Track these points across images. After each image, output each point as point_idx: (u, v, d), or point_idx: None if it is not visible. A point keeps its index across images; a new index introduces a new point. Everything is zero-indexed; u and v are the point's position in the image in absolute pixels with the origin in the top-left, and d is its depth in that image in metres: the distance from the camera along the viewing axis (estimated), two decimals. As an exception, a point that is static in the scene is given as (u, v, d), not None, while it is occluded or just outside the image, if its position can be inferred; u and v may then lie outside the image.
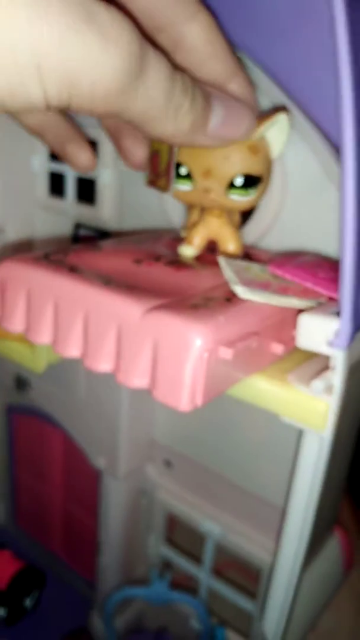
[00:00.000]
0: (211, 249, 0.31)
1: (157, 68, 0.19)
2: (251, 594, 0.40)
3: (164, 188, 0.28)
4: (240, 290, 0.24)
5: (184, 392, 0.21)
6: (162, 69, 0.20)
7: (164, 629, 0.45)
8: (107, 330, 0.23)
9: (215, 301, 0.24)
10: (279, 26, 0.28)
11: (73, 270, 0.26)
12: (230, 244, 0.30)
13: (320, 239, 0.31)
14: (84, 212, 0.43)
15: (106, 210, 0.41)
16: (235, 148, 0.26)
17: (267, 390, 0.24)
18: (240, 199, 0.28)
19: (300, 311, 0.25)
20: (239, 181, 0.27)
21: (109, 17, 0.17)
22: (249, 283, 0.25)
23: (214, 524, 0.40)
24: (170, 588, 0.41)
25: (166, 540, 0.45)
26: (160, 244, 0.32)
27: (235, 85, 0.26)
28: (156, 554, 0.45)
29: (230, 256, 0.30)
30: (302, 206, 0.32)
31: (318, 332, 0.23)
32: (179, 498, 0.42)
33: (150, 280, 0.26)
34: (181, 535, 0.44)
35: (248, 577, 0.41)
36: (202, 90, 0.23)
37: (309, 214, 0.32)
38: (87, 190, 0.43)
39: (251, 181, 0.27)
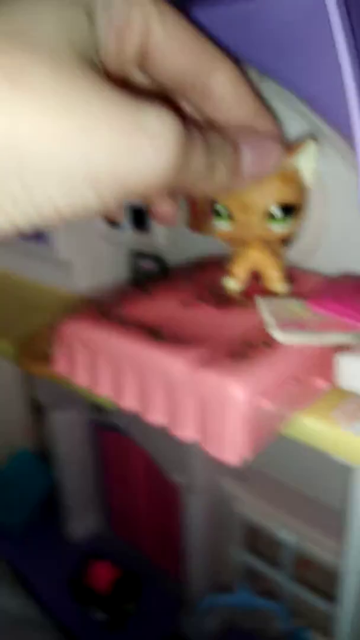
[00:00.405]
0: (256, 278, 0.31)
1: (198, 146, 0.20)
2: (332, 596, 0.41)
3: (206, 231, 0.29)
4: (279, 335, 0.25)
5: (230, 446, 0.23)
6: (202, 144, 0.21)
7: (252, 630, 0.48)
8: (158, 386, 0.25)
9: (254, 348, 0.25)
10: (310, 51, 0.28)
11: (126, 325, 0.28)
12: (273, 274, 0.31)
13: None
14: (141, 241, 0.45)
15: (161, 238, 0.43)
16: (268, 180, 0.27)
17: (313, 430, 0.25)
18: (280, 229, 0.28)
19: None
20: (276, 211, 0.28)
21: (155, 115, 0.17)
22: (287, 324, 0.25)
23: (290, 532, 0.41)
24: (253, 594, 0.43)
25: (248, 548, 0.47)
26: (207, 278, 0.33)
27: (261, 123, 0.26)
28: (239, 561, 0.47)
29: (274, 286, 0.31)
30: (346, 226, 0.32)
31: (357, 373, 0.23)
32: (255, 509, 0.43)
33: (196, 326, 0.28)
34: (262, 542, 0.46)
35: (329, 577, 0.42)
36: (230, 139, 0.24)
37: (354, 234, 0.32)
38: (142, 220, 0.44)
39: (288, 210, 0.28)
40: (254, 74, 0.32)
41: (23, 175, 0.16)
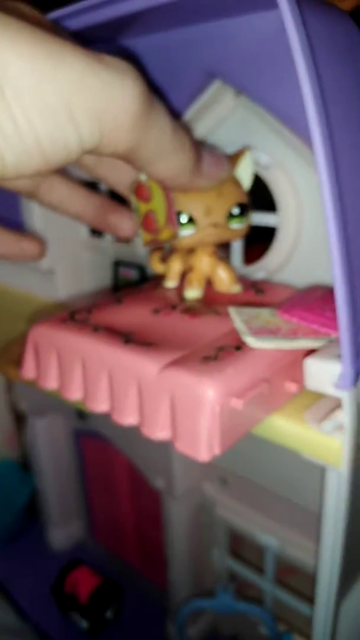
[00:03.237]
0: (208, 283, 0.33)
1: (160, 104, 0.22)
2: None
3: (172, 237, 0.30)
4: (251, 341, 0.25)
5: (201, 444, 0.23)
6: (165, 115, 0.22)
7: (236, 636, 0.48)
8: (129, 387, 0.26)
9: (225, 351, 0.25)
10: (279, 68, 0.29)
11: (96, 329, 0.28)
12: (226, 276, 0.33)
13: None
14: (122, 250, 0.46)
15: (141, 247, 0.44)
16: (224, 184, 0.30)
17: (285, 430, 0.26)
18: (240, 226, 0.31)
19: (313, 350, 0.26)
20: (236, 210, 0.30)
21: (115, 59, 0.20)
22: (258, 331, 0.26)
23: (272, 536, 0.42)
24: (235, 598, 0.44)
25: (230, 553, 0.47)
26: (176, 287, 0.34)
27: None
28: (221, 566, 0.47)
29: (229, 288, 0.33)
30: (319, 238, 0.33)
31: (323, 375, 0.24)
32: (236, 513, 0.44)
33: (168, 331, 0.28)
34: (245, 547, 0.46)
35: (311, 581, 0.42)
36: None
37: (323, 247, 0.32)
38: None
39: (243, 209, 0.31)
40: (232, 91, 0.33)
41: (5, 96, 0.18)
